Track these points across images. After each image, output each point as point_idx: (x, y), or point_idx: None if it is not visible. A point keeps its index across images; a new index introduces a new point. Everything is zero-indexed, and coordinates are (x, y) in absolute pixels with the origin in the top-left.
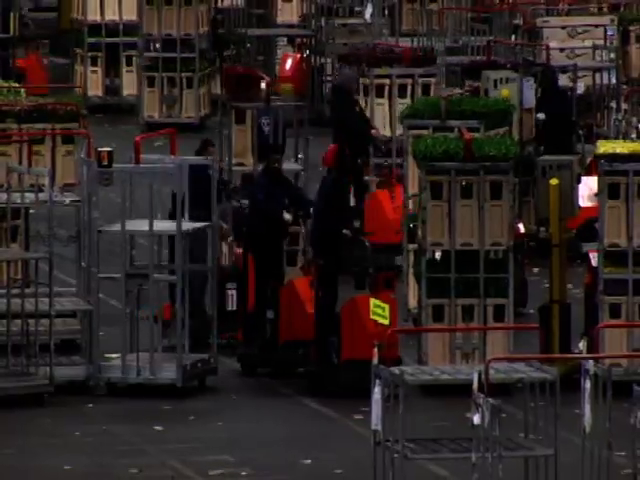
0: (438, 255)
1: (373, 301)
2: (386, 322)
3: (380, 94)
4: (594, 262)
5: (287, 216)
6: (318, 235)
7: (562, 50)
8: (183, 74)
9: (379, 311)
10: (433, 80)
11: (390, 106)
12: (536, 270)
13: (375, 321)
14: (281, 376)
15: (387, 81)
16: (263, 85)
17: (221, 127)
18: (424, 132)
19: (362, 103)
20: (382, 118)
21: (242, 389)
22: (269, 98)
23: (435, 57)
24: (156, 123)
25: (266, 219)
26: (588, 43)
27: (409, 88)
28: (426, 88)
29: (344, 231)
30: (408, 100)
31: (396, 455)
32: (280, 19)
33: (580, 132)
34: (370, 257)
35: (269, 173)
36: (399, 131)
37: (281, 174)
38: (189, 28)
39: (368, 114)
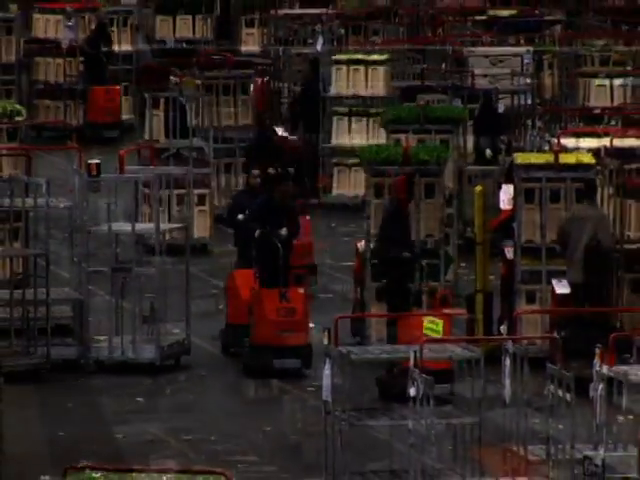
0: (361, 246)
1: (427, 318)
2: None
3: (209, 91)
4: (509, 256)
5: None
6: (381, 258)
7: (485, 76)
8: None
9: (432, 326)
10: (251, 81)
11: (217, 102)
12: (464, 264)
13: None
14: (234, 356)
15: (215, 82)
16: (172, 78)
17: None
18: (403, 136)
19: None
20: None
21: (211, 367)
22: (181, 90)
23: (250, 62)
24: None
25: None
26: (507, 70)
27: (231, 87)
28: (244, 88)
29: (404, 254)
30: (231, 97)
31: (343, 423)
32: (244, 48)
33: (502, 146)
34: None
35: (272, 202)
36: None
37: (284, 204)
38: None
39: (206, 111)
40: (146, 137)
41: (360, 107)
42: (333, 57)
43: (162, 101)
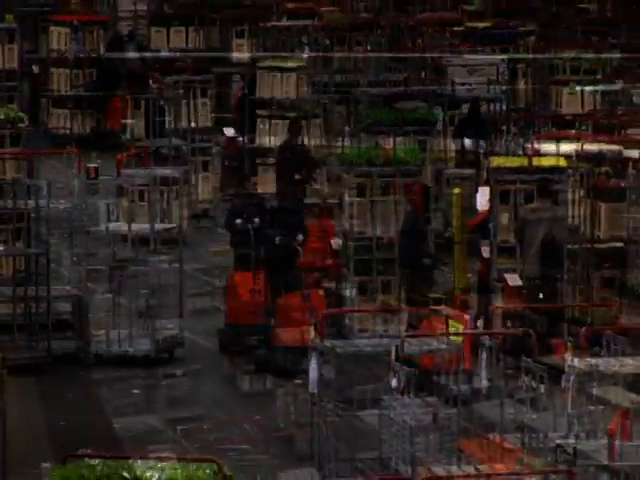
0: (335, 244)
1: (452, 321)
2: (458, 340)
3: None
4: (485, 254)
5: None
6: (403, 263)
7: (463, 84)
8: None
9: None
10: (211, 86)
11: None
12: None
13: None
14: (230, 353)
15: (177, 85)
16: (151, 82)
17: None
18: (385, 137)
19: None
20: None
21: (204, 359)
22: (162, 92)
23: (209, 69)
24: None
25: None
26: (484, 78)
27: (191, 91)
28: (204, 91)
29: (423, 260)
30: (191, 100)
31: (330, 413)
32: (235, 57)
33: (481, 151)
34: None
35: (280, 205)
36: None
37: (287, 209)
38: None
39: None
40: (127, 136)
41: (277, 111)
42: (258, 64)
43: (143, 103)
